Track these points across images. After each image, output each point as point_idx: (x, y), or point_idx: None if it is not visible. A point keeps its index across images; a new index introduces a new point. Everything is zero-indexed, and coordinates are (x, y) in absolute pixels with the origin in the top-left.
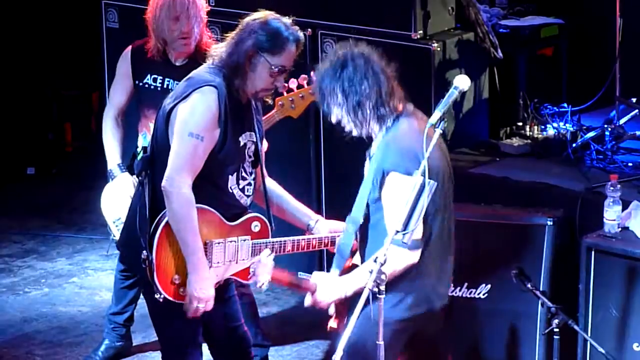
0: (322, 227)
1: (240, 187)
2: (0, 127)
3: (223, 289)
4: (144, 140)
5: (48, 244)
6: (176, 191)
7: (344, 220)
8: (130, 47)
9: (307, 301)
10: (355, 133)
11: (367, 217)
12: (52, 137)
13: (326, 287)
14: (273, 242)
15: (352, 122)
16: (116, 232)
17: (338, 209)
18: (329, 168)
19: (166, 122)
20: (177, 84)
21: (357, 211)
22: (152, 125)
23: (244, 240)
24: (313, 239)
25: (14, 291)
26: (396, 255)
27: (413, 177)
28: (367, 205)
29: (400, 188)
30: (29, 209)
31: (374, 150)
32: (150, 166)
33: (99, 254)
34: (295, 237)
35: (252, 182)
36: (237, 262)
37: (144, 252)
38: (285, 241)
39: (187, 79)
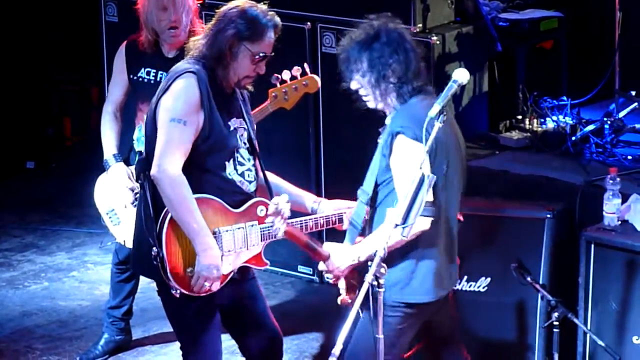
0: (326, 208)
1: (239, 172)
2: (0, 121)
3: (248, 285)
4: (139, 132)
5: (48, 238)
6: (165, 176)
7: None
8: (125, 43)
9: (321, 267)
10: (370, 104)
11: (376, 191)
12: (52, 131)
13: (339, 254)
14: None
15: (371, 93)
16: (109, 224)
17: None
18: (328, 161)
19: (153, 119)
20: None
21: (368, 182)
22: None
23: (252, 226)
24: (320, 217)
25: (13, 285)
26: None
27: (418, 145)
28: (377, 180)
29: (407, 152)
30: (29, 203)
31: (387, 122)
32: (147, 167)
33: (99, 248)
34: (303, 218)
35: (252, 168)
36: (248, 249)
37: (154, 248)
38: (292, 223)
39: (167, 74)
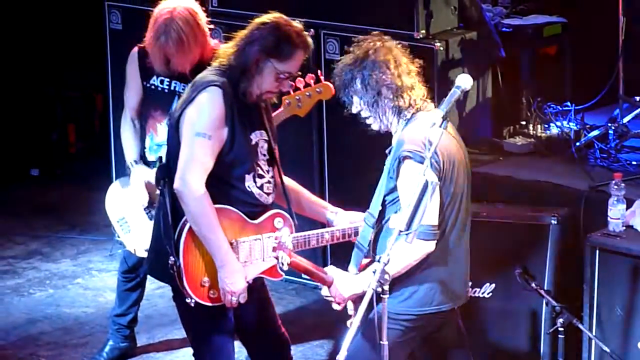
0: (342, 219)
1: (258, 185)
2: (4, 128)
3: (257, 292)
4: (151, 141)
5: (52, 245)
6: (188, 191)
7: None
8: (136, 48)
9: (325, 293)
10: (374, 126)
11: (383, 210)
12: (56, 138)
13: (343, 282)
14: (297, 236)
15: (371, 114)
16: (120, 232)
17: (341, 209)
18: (332, 167)
19: (176, 129)
20: (183, 86)
21: (374, 205)
22: (159, 126)
23: (269, 238)
24: (336, 230)
25: (18, 292)
26: (412, 245)
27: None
28: (384, 200)
29: (416, 176)
30: (33, 210)
31: (393, 144)
32: (167, 174)
33: (103, 255)
34: (319, 231)
35: (271, 180)
36: (264, 260)
37: (171, 257)
38: (309, 235)
39: (192, 83)
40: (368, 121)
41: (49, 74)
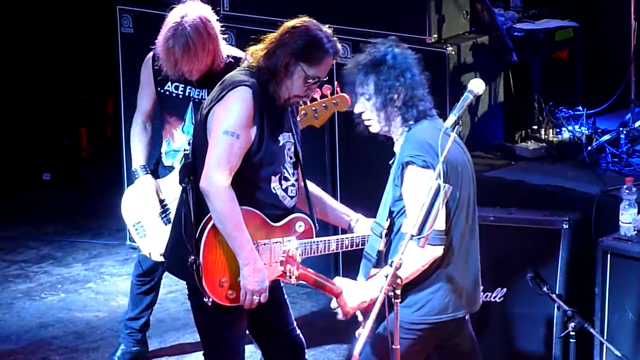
0: (363, 226)
1: (283, 187)
2: (16, 132)
3: (274, 293)
4: (167, 146)
5: (64, 249)
6: (214, 189)
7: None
8: (151, 54)
9: (333, 304)
10: (374, 128)
11: (392, 222)
12: (68, 142)
13: (351, 291)
14: (318, 241)
15: (375, 116)
16: (136, 236)
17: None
18: (344, 172)
19: (203, 126)
20: (198, 91)
21: (381, 215)
22: (175, 132)
23: (289, 241)
24: (356, 237)
25: (30, 297)
26: (421, 250)
27: (430, 172)
28: (391, 212)
29: (419, 181)
30: (45, 214)
31: (395, 151)
32: (192, 172)
33: (115, 260)
34: (340, 236)
35: (295, 183)
36: None
37: (191, 256)
38: (329, 240)
39: (221, 82)
40: (368, 122)
41: (60, 78)
